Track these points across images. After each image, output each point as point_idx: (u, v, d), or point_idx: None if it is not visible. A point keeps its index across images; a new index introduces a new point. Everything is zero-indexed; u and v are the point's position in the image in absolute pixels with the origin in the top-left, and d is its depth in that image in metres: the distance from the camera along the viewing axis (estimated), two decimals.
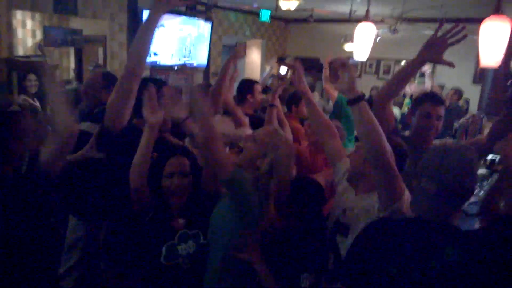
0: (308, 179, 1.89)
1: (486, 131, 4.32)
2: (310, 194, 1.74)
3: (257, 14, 7.07)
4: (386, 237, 1.36)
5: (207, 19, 7.15)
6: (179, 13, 6.84)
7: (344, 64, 1.50)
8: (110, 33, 6.21)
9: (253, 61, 9.56)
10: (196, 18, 7.09)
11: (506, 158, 1.56)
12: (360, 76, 9.06)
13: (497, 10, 2.50)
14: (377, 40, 7.56)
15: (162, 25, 6.67)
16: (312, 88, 5.57)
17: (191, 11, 7.00)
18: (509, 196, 1.50)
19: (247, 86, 3.27)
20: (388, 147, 1.49)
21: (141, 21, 6.21)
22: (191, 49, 7.17)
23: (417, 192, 1.36)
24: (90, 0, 5.78)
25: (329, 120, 2.12)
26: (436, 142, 2.08)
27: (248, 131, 2.36)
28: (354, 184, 1.82)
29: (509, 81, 4.52)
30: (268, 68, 6.24)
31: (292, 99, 3.61)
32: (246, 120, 2.66)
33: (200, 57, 7.41)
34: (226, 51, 9.37)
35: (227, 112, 2.73)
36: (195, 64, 7.39)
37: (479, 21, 2.59)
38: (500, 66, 2.55)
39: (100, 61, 6.56)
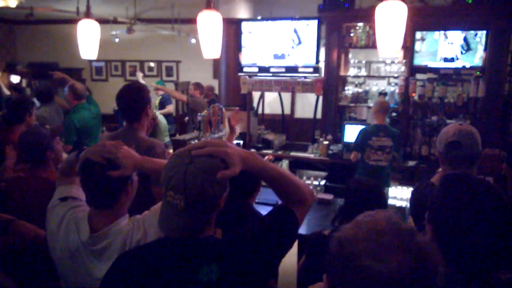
0: None
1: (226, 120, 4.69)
2: None
3: None
4: (138, 266, 1.16)
5: None
6: None
7: None
8: None
9: None
10: None
11: None
12: (107, 79, 8.70)
13: (208, 5, 2.69)
14: (116, 41, 7.39)
15: None
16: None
17: None
18: None
19: None
20: None
21: None
22: None
23: (164, 207, 1.15)
24: None
25: None
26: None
27: None
28: None
29: None
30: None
31: (27, 104, 2.97)
32: None
33: None
34: None
35: None
36: None
37: None
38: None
39: None
